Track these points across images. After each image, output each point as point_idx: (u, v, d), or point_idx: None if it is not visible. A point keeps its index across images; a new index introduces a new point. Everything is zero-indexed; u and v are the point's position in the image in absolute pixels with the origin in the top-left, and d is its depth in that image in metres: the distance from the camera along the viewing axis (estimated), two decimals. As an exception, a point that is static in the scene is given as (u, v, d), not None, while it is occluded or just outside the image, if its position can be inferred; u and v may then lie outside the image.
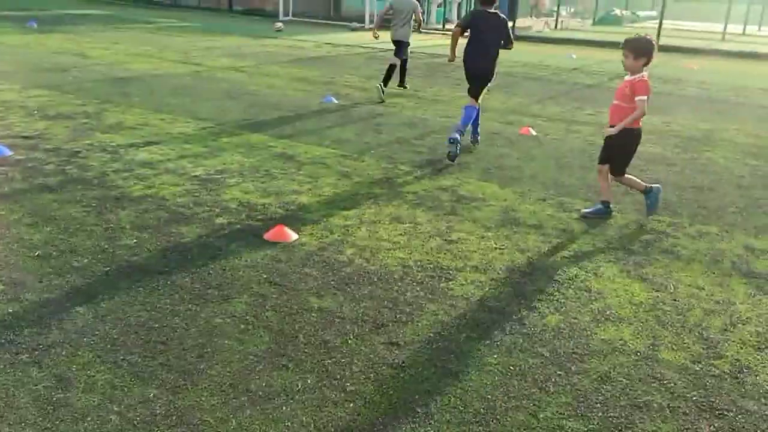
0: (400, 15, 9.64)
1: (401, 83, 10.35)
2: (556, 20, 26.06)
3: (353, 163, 6.19)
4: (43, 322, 3.19)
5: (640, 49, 4.57)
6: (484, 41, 6.52)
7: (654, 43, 4.65)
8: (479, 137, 7.14)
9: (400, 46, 9.75)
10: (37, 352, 2.94)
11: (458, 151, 6.33)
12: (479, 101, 6.75)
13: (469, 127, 6.82)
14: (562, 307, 3.62)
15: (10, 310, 3.29)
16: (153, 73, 10.88)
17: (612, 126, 4.80)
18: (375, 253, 4.22)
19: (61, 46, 13.57)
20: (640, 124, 4.79)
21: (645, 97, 4.60)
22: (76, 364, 2.87)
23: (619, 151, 4.88)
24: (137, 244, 4.15)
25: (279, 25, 20.31)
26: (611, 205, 5.06)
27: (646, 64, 4.63)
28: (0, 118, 7.25)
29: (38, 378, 2.77)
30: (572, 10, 30.16)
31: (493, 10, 6.55)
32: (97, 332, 3.13)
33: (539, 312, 3.56)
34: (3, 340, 3.02)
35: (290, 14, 23.80)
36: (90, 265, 3.84)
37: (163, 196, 5.05)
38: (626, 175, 5.02)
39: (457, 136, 6.24)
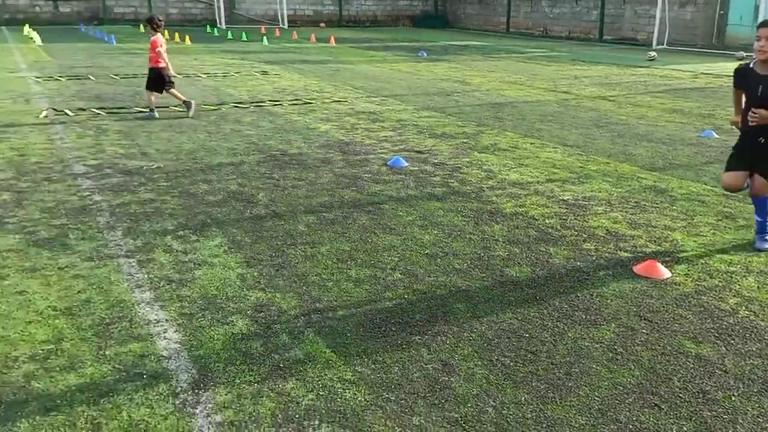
0: None
1: None
2: None
3: (738, 205, 5.57)
4: (431, 312, 3.65)
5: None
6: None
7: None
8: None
9: None
10: (426, 337, 3.38)
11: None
12: None
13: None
14: None
15: (406, 297, 3.83)
16: (524, 100, 11.45)
17: None
18: (766, 307, 3.73)
19: (445, 73, 15.24)
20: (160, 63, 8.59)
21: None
22: (457, 354, 3.21)
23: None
24: (509, 257, 4.44)
25: (652, 54, 19.37)
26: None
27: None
28: (398, 133, 8.49)
29: (427, 359, 3.17)
30: None
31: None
32: (474, 330, 3.45)
33: None
34: (399, 321, 3.54)
35: (665, 43, 22.51)
36: (469, 269, 4.24)
37: (533, 216, 5.28)
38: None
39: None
